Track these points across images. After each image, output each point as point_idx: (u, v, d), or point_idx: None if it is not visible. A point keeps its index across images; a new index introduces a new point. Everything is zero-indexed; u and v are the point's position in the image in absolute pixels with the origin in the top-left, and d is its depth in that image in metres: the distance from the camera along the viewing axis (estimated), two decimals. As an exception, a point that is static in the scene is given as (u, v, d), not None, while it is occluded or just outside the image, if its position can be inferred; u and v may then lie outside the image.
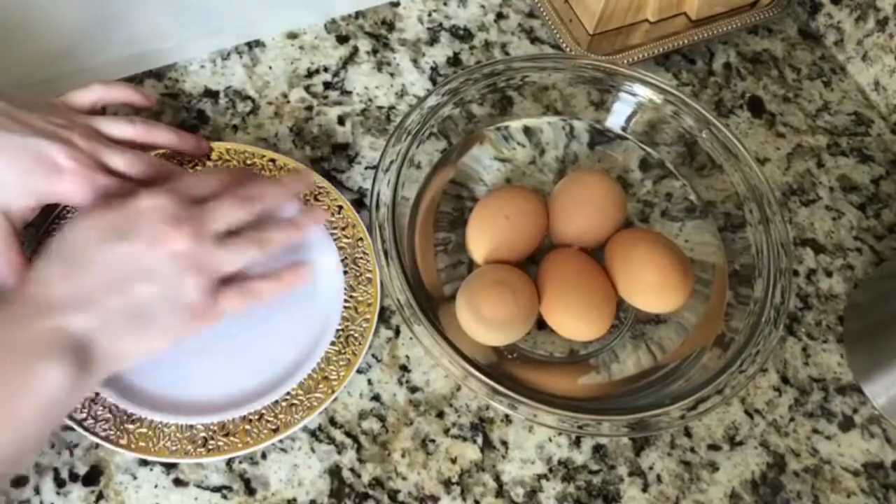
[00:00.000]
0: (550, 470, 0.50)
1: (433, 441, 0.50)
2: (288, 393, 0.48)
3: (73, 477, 0.46)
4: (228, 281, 0.43)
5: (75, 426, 0.46)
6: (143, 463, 0.47)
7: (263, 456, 0.48)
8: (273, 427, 0.47)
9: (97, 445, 0.47)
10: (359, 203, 0.56)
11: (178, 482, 0.47)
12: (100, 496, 0.46)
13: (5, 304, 0.40)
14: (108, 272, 0.40)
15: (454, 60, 0.63)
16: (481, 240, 0.51)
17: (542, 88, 0.57)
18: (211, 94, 0.59)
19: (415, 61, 0.63)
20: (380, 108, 0.60)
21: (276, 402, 0.48)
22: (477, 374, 0.45)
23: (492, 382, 0.45)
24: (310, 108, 0.59)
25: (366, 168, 0.58)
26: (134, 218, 0.41)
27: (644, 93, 0.55)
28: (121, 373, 0.47)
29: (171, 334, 0.42)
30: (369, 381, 0.51)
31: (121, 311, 0.40)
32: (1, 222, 0.44)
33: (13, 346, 0.39)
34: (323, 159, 0.58)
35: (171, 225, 0.41)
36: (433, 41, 0.64)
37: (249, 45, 0.61)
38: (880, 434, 0.53)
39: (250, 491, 0.47)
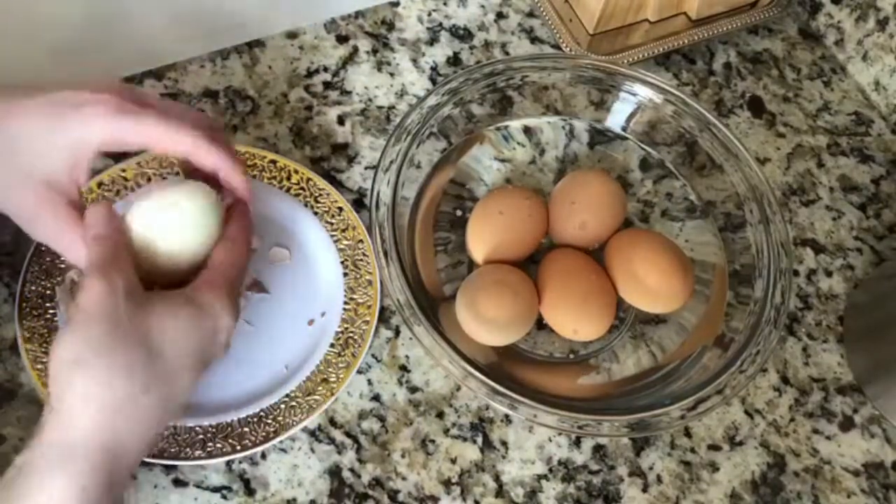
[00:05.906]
0: (550, 470, 0.50)
1: (433, 441, 0.50)
2: (287, 395, 0.48)
3: (73, 477, 0.46)
4: None
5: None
6: (143, 463, 0.46)
7: (263, 456, 0.48)
8: (272, 429, 0.47)
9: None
10: (359, 203, 0.56)
11: (178, 482, 0.47)
12: (99, 496, 0.46)
13: None
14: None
15: (454, 60, 0.63)
16: (481, 240, 0.51)
17: (542, 88, 0.57)
18: (211, 94, 0.59)
19: (415, 61, 0.63)
20: (380, 107, 0.60)
21: (275, 404, 0.48)
22: (477, 374, 0.45)
23: (492, 382, 0.45)
24: (309, 108, 0.59)
25: (366, 168, 0.58)
26: (212, 339, 0.40)
27: (644, 93, 0.55)
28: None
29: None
30: (369, 382, 0.51)
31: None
32: (44, 194, 0.40)
33: None
34: (323, 159, 0.58)
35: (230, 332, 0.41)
36: (433, 41, 0.64)
37: (249, 44, 0.61)
38: (880, 434, 0.53)
39: (250, 491, 0.47)
